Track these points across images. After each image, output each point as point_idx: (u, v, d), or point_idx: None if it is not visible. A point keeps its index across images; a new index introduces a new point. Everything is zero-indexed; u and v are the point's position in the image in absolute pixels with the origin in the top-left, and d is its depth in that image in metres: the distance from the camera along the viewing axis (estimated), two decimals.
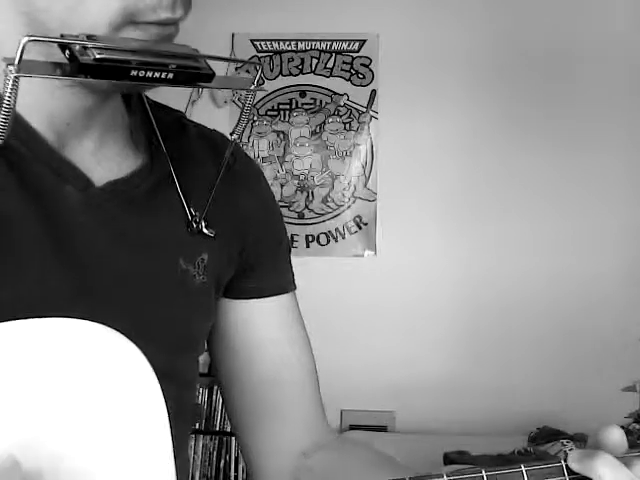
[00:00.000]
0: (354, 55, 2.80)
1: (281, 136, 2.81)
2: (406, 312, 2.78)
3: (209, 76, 0.53)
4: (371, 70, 2.79)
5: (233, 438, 2.65)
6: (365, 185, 2.81)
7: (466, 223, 2.78)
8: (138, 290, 0.62)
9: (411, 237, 2.79)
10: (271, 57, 2.82)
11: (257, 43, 2.81)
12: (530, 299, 2.74)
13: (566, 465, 0.52)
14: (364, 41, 2.79)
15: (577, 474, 0.51)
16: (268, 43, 2.81)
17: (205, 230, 0.66)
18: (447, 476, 0.51)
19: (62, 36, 0.50)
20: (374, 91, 2.79)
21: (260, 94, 2.80)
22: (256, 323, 0.75)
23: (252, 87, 0.56)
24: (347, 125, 2.81)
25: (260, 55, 2.82)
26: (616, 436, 0.52)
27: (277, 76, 2.82)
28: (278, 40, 2.81)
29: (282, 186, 2.81)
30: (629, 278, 2.71)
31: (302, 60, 2.82)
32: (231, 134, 0.62)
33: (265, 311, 0.75)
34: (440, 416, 2.70)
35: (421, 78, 2.76)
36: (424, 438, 2.56)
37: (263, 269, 0.75)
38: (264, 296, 0.75)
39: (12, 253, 0.55)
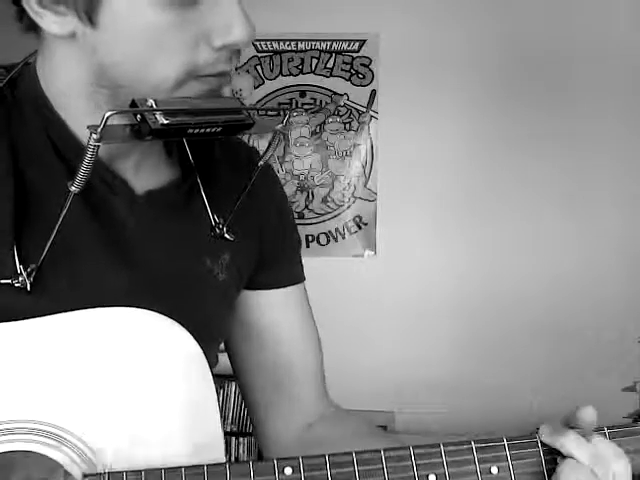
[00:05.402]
0: (354, 55, 2.80)
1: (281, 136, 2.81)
2: (406, 312, 2.78)
3: (250, 125, 0.64)
4: (371, 70, 2.79)
5: (233, 438, 2.66)
6: (365, 185, 2.81)
7: (466, 223, 2.78)
8: (174, 284, 0.72)
9: (411, 237, 2.79)
10: (271, 57, 2.82)
11: (257, 43, 2.80)
12: (530, 299, 2.74)
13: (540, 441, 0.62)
14: (364, 41, 2.79)
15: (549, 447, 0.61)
16: (268, 43, 2.81)
17: (226, 235, 0.76)
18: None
19: (133, 102, 0.59)
20: (374, 91, 2.79)
21: (260, 94, 2.81)
22: (273, 310, 0.85)
23: (279, 127, 0.68)
24: (347, 125, 2.81)
25: (260, 55, 2.82)
26: (588, 413, 0.62)
27: (277, 76, 2.82)
28: (278, 40, 2.81)
29: None
30: (629, 278, 2.71)
31: (302, 60, 2.82)
32: (257, 162, 0.73)
33: (281, 299, 0.86)
34: (440, 416, 2.71)
35: (421, 78, 2.76)
36: (424, 438, 2.56)
37: (278, 264, 0.85)
38: (280, 287, 0.85)
39: (73, 252, 0.65)
